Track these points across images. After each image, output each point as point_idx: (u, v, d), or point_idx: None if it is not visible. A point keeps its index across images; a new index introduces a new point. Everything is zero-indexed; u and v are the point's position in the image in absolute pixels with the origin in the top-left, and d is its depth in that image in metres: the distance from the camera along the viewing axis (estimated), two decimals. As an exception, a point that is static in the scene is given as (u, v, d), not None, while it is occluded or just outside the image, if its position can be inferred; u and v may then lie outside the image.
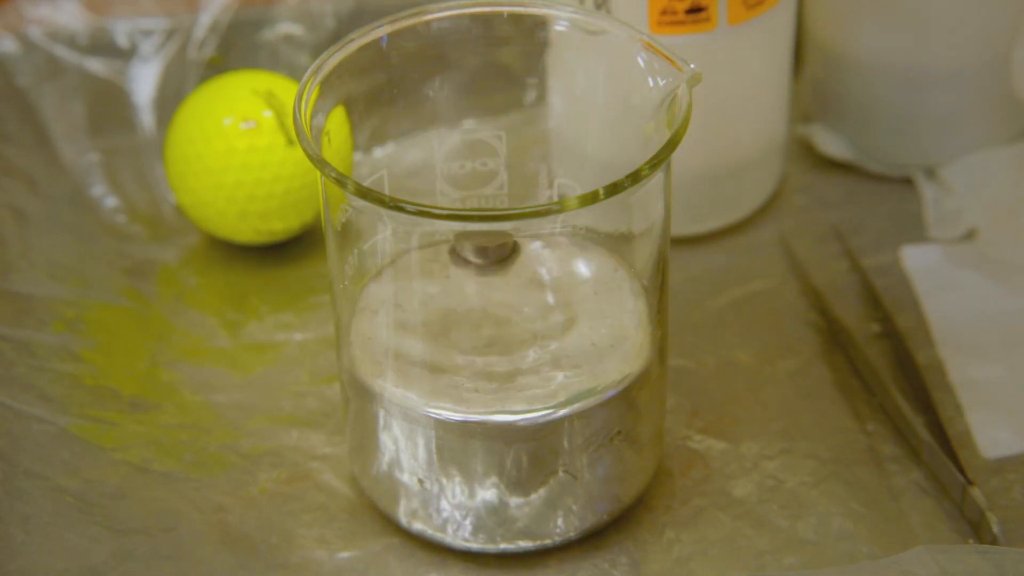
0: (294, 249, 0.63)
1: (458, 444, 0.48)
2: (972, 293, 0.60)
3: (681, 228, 0.62)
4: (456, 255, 0.49)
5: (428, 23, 0.50)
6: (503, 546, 0.51)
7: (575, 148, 0.56)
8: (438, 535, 0.51)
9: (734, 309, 0.60)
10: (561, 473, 0.49)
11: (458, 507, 0.50)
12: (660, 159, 0.45)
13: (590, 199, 0.43)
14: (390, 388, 0.49)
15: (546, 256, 0.51)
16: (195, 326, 0.60)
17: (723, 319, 0.60)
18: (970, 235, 0.62)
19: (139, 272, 0.63)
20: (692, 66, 0.47)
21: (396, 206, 0.43)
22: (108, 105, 0.68)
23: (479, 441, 0.48)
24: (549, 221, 0.50)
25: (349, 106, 0.50)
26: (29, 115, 0.67)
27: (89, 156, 0.67)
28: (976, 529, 0.51)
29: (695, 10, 0.57)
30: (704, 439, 0.55)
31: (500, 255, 0.49)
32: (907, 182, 0.65)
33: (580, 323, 0.49)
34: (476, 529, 0.50)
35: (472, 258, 0.49)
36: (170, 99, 0.68)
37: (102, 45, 0.69)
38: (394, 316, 0.50)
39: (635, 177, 0.44)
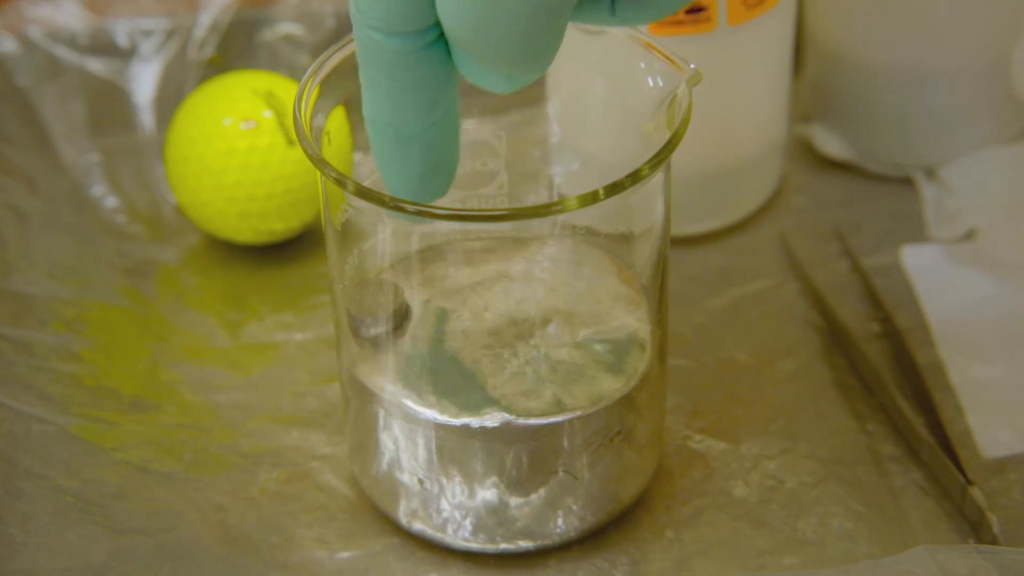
0: (294, 249, 0.63)
1: (458, 444, 0.48)
2: (972, 293, 0.60)
3: (681, 228, 0.62)
4: (355, 333, 0.49)
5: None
6: (503, 546, 0.51)
7: (575, 148, 0.56)
8: (438, 535, 0.51)
9: (734, 309, 0.60)
10: (561, 473, 0.49)
11: (458, 507, 0.50)
12: (660, 159, 0.45)
13: (590, 199, 0.43)
14: (390, 388, 0.49)
15: (546, 257, 0.51)
16: (195, 326, 0.60)
17: (723, 319, 0.60)
18: (970, 235, 0.62)
19: (139, 272, 0.63)
20: (692, 66, 0.47)
21: (396, 206, 0.43)
22: (108, 105, 0.68)
23: (479, 441, 0.48)
24: (549, 221, 0.50)
25: (349, 106, 0.50)
26: (29, 115, 0.67)
27: (89, 156, 0.67)
28: (976, 529, 0.51)
29: (695, 10, 0.57)
30: (704, 439, 0.55)
31: (397, 321, 0.49)
32: (907, 182, 0.65)
33: (580, 323, 0.49)
34: (476, 529, 0.50)
35: (368, 332, 0.49)
36: (170, 99, 0.68)
37: (102, 45, 0.69)
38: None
39: (635, 177, 0.44)
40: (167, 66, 0.69)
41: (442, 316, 0.50)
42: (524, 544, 0.51)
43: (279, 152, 0.60)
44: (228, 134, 0.60)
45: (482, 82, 0.41)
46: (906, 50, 0.63)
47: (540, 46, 0.40)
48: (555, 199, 0.52)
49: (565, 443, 0.49)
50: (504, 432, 0.48)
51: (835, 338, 0.58)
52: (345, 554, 0.52)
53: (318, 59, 0.48)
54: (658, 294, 0.50)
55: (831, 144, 0.66)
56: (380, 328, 0.48)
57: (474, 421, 0.48)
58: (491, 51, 0.40)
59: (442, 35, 0.41)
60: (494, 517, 0.50)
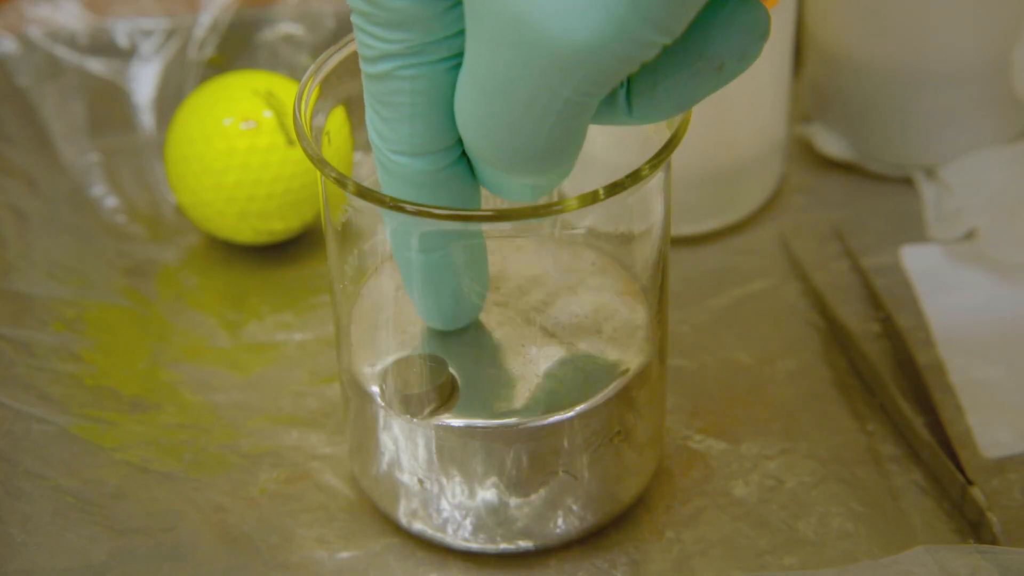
0: (294, 249, 0.63)
1: (458, 444, 0.48)
2: (972, 293, 0.60)
3: (681, 228, 0.62)
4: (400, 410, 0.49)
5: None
6: (503, 546, 0.51)
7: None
8: (438, 535, 0.51)
9: (734, 309, 0.60)
10: (561, 473, 0.49)
11: (458, 507, 0.50)
12: (660, 159, 0.45)
13: (590, 199, 0.43)
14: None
15: (545, 256, 0.51)
16: (195, 326, 0.60)
17: (723, 319, 0.60)
18: (970, 235, 0.62)
19: (139, 272, 0.63)
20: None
21: (396, 206, 0.43)
22: (108, 105, 0.68)
23: (479, 441, 0.48)
24: (549, 221, 0.50)
25: (349, 106, 0.50)
26: (29, 115, 0.67)
27: (89, 156, 0.67)
28: (976, 529, 0.51)
29: (695, 10, 0.57)
30: (704, 439, 0.55)
31: (442, 399, 0.49)
32: (907, 182, 0.65)
33: (580, 323, 0.49)
34: (476, 529, 0.50)
35: (416, 411, 0.49)
36: (170, 99, 0.68)
37: (102, 45, 0.69)
38: (393, 316, 0.50)
39: (635, 177, 0.44)
40: (167, 66, 0.69)
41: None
42: (524, 544, 0.51)
43: (279, 152, 0.60)
44: (228, 134, 0.60)
45: (506, 194, 0.42)
46: (906, 50, 0.63)
47: (562, 155, 0.40)
48: (555, 199, 0.52)
49: (565, 443, 0.49)
50: (504, 432, 0.48)
51: (835, 338, 0.58)
52: (345, 554, 0.52)
53: (318, 59, 0.48)
54: (658, 294, 0.50)
55: (831, 144, 0.66)
56: (428, 406, 0.48)
57: (474, 420, 0.48)
58: (514, 164, 0.40)
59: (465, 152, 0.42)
60: (494, 517, 0.50)
